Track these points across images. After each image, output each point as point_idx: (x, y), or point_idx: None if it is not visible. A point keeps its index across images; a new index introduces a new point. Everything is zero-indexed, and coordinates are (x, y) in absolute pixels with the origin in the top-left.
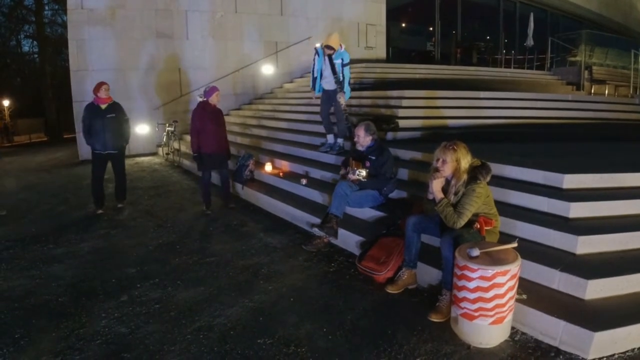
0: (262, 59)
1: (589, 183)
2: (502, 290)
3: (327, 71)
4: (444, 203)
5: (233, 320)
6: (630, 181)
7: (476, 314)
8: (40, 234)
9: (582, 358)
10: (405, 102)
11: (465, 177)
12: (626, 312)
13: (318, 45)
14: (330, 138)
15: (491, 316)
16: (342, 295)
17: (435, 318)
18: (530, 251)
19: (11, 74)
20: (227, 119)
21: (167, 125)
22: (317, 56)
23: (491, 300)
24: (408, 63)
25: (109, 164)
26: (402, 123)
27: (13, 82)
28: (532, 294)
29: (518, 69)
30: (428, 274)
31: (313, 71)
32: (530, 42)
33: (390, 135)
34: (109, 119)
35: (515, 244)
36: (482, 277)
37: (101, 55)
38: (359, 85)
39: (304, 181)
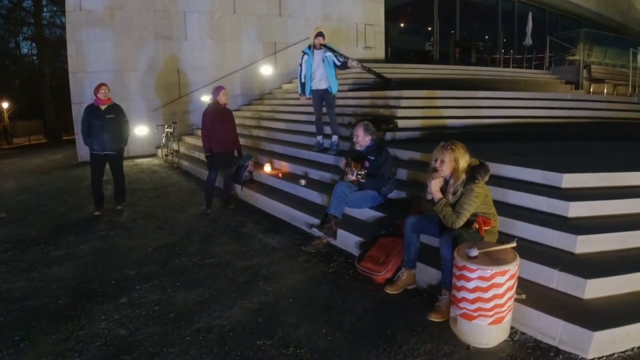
0: (260, 59)
1: (588, 182)
2: (501, 290)
3: (320, 70)
4: (443, 203)
5: (232, 321)
6: (629, 180)
7: (475, 314)
8: (39, 235)
9: (582, 357)
10: (404, 102)
11: (463, 176)
12: (625, 311)
13: (305, 48)
14: (319, 138)
15: (490, 316)
16: (341, 296)
17: (434, 318)
18: (529, 251)
19: (10, 76)
20: None
21: (166, 126)
22: (305, 57)
23: (490, 300)
24: (407, 63)
25: (107, 166)
26: (401, 123)
27: (12, 84)
28: (531, 293)
29: (517, 69)
30: (427, 274)
31: (301, 76)
32: (528, 41)
33: (389, 135)
34: (108, 120)
35: (514, 244)
36: (481, 277)
37: (100, 57)
38: (357, 86)
39: (302, 182)
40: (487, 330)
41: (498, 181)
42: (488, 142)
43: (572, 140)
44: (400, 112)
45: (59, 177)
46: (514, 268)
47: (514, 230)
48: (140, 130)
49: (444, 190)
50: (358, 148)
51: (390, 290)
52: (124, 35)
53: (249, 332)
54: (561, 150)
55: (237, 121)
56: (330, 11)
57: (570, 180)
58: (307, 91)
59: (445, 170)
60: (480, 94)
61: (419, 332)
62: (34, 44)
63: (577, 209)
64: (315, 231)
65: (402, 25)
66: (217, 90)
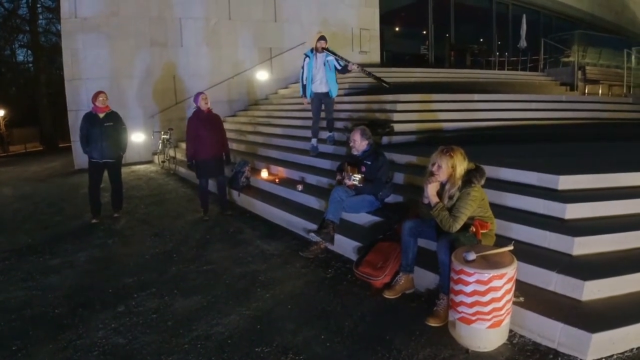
0: (256, 65)
1: (584, 184)
2: (499, 294)
3: (320, 73)
4: (440, 207)
5: (230, 328)
6: (625, 181)
7: (474, 317)
8: (36, 244)
9: (581, 359)
10: (400, 106)
11: (460, 182)
12: (624, 312)
13: (307, 51)
14: (314, 142)
15: (489, 320)
16: (339, 301)
17: (433, 322)
18: (527, 253)
19: (6, 83)
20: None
21: (163, 133)
22: (307, 59)
23: (488, 304)
24: (402, 67)
25: (105, 173)
26: (397, 127)
27: (8, 92)
28: (529, 296)
29: (512, 71)
30: (425, 279)
31: (302, 78)
32: (523, 43)
33: (385, 139)
34: (106, 127)
35: (511, 247)
36: (478, 281)
37: (95, 64)
38: (354, 90)
39: (299, 187)
40: (485, 333)
41: (494, 184)
42: (484, 144)
43: (568, 142)
44: (396, 116)
45: (56, 185)
46: (511, 271)
47: (511, 233)
48: (136, 137)
49: (440, 194)
50: (355, 153)
51: (388, 295)
52: (119, 42)
53: (247, 339)
54: (557, 152)
55: (233, 127)
56: (326, 16)
57: (567, 181)
58: (309, 94)
59: (442, 175)
60: (476, 96)
61: (418, 337)
62: (29, 51)
63: (574, 211)
64: (312, 236)
65: (397, 29)
66: (196, 97)
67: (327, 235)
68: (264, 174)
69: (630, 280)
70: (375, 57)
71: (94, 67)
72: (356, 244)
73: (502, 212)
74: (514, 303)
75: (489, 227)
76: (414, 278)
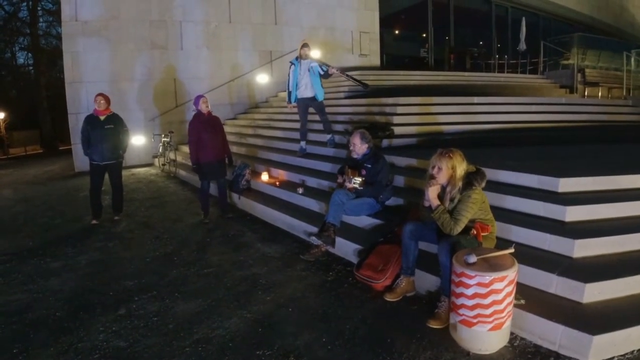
0: (256, 68)
1: (584, 186)
2: (500, 296)
3: (305, 79)
4: (440, 210)
5: (232, 331)
6: (625, 183)
7: (475, 320)
8: (37, 247)
9: None
10: (400, 109)
11: (460, 184)
12: (625, 314)
13: (293, 59)
14: (303, 144)
15: (490, 322)
16: (340, 304)
17: (434, 325)
18: (528, 256)
19: (6, 86)
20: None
21: (163, 136)
22: (292, 67)
23: (489, 307)
24: (402, 70)
25: (106, 176)
26: (398, 130)
27: (8, 95)
28: (530, 298)
29: (511, 74)
30: (426, 281)
31: (288, 85)
32: (522, 46)
33: (385, 142)
34: (107, 130)
35: (512, 250)
36: (479, 284)
37: (96, 67)
38: (353, 93)
39: (300, 190)
40: (487, 336)
41: (495, 187)
42: (484, 147)
43: (568, 144)
44: (396, 119)
45: (56, 188)
46: (512, 274)
47: (512, 235)
48: (137, 140)
49: (441, 197)
50: (355, 156)
51: (389, 298)
52: (120, 46)
53: (248, 342)
54: (557, 155)
55: (233, 130)
56: (326, 19)
57: (567, 184)
58: (293, 99)
59: (442, 177)
60: (476, 99)
61: (419, 340)
62: (30, 54)
63: (574, 213)
64: (313, 239)
65: (397, 32)
66: (196, 100)
67: (328, 238)
68: (265, 176)
69: (631, 282)
70: (375, 60)
71: (95, 70)
72: (357, 246)
73: (503, 214)
74: (515, 305)
75: (489, 229)
76: (414, 281)
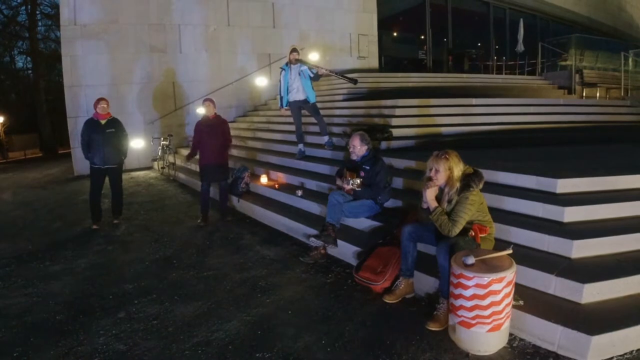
0: (255, 71)
1: (582, 187)
2: (498, 297)
3: (296, 82)
4: (438, 211)
5: (231, 334)
6: (623, 183)
7: (473, 321)
8: (36, 250)
9: None
10: (398, 111)
11: (458, 184)
12: (623, 314)
13: (283, 65)
14: (301, 146)
15: (488, 323)
16: (340, 306)
17: (433, 327)
18: (526, 257)
19: (5, 90)
20: None
21: (162, 139)
22: (283, 72)
23: (488, 308)
24: (400, 72)
25: (106, 179)
26: (396, 132)
27: (7, 98)
28: (528, 299)
29: (509, 75)
30: (425, 283)
31: (280, 90)
32: (520, 47)
33: (384, 144)
34: (108, 134)
35: (510, 251)
36: (478, 285)
37: (95, 71)
38: (351, 95)
39: (299, 192)
40: (485, 337)
41: (493, 188)
42: (482, 149)
43: (566, 145)
44: (395, 121)
45: (56, 192)
46: (510, 275)
47: (510, 236)
48: (136, 144)
49: (439, 198)
50: (354, 158)
51: (388, 300)
52: (119, 49)
53: (248, 344)
54: (555, 156)
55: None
56: (324, 22)
57: (565, 185)
58: (284, 103)
59: (440, 179)
60: (474, 101)
61: (418, 341)
62: (28, 58)
63: (572, 214)
64: (313, 241)
65: (395, 34)
66: (202, 103)
67: (329, 237)
68: (264, 179)
69: (629, 282)
70: (374, 62)
71: (94, 73)
72: (356, 249)
73: (501, 216)
74: (514, 306)
75: (487, 231)
76: (413, 282)
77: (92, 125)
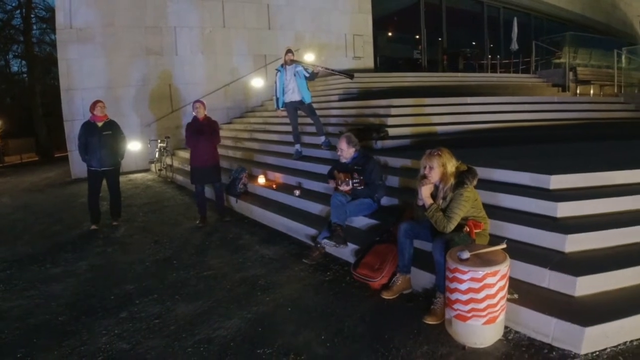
0: (251, 72)
1: (575, 183)
2: (493, 291)
3: (292, 83)
4: (434, 208)
5: (232, 332)
6: (615, 179)
7: (469, 314)
8: (37, 253)
9: (575, 353)
10: (394, 111)
11: (452, 181)
12: (616, 306)
13: (278, 66)
14: (298, 147)
15: (484, 316)
16: (338, 303)
17: (430, 321)
18: (520, 251)
19: (1, 94)
20: None
21: (159, 141)
22: (278, 74)
23: (483, 301)
24: (396, 71)
25: (104, 182)
26: (392, 131)
27: (3, 102)
28: (523, 293)
29: (504, 73)
30: (422, 279)
31: (276, 92)
32: (514, 46)
33: (379, 143)
34: (105, 136)
35: (504, 245)
36: (473, 279)
37: (91, 74)
38: (347, 96)
39: (297, 192)
40: (481, 330)
41: (488, 185)
42: (478, 147)
43: (560, 142)
44: (390, 121)
45: (54, 195)
46: (504, 268)
47: (505, 232)
48: (133, 146)
49: (434, 195)
50: (343, 160)
51: (386, 296)
52: (115, 52)
53: (249, 341)
54: (549, 153)
55: (229, 134)
56: (319, 23)
57: (558, 181)
58: (280, 104)
59: (435, 176)
60: (469, 99)
61: (416, 335)
62: (24, 62)
63: (565, 209)
64: (326, 243)
65: (390, 34)
66: (192, 106)
67: (339, 237)
68: (261, 180)
69: (622, 275)
70: (369, 62)
71: (90, 76)
72: (354, 246)
73: (496, 212)
74: (509, 300)
75: (482, 226)
76: (410, 278)
77: (89, 127)
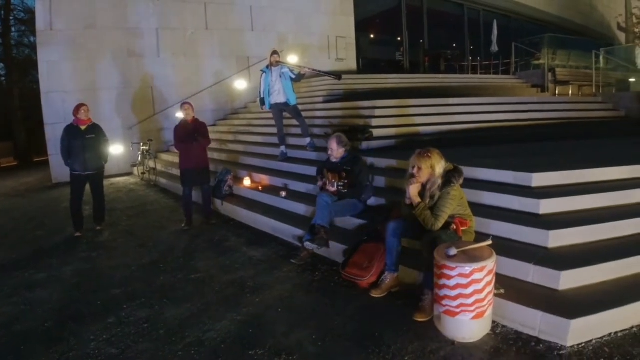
0: (235, 74)
1: (556, 180)
2: (480, 286)
3: (277, 85)
4: (422, 207)
5: (223, 334)
6: (594, 176)
7: (458, 310)
8: (20, 259)
9: (562, 345)
10: (378, 112)
11: (440, 181)
12: (599, 299)
13: (264, 67)
14: (283, 148)
15: (472, 311)
16: (328, 302)
17: (419, 318)
18: (505, 248)
19: None
20: None
21: (142, 144)
22: (264, 75)
23: (471, 296)
24: (378, 73)
25: (87, 186)
26: (376, 132)
27: None
28: (509, 288)
29: (484, 75)
30: (410, 276)
31: (260, 92)
32: (494, 48)
33: (364, 144)
34: (88, 139)
35: (489, 242)
36: (460, 275)
37: (72, 76)
38: (332, 97)
39: (283, 193)
40: (469, 325)
41: (472, 184)
42: (461, 146)
43: (540, 141)
44: (374, 122)
45: (35, 200)
46: (491, 264)
47: (490, 229)
48: (115, 149)
49: (421, 194)
50: (333, 160)
51: (375, 294)
52: (96, 54)
53: (240, 343)
54: (530, 151)
55: (214, 136)
56: (302, 25)
57: (540, 179)
58: (267, 104)
59: (423, 176)
60: (451, 100)
61: (406, 332)
62: (1, 65)
63: (547, 206)
64: (308, 245)
65: (372, 36)
66: (181, 107)
67: (322, 240)
68: (247, 182)
69: (603, 269)
70: (352, 64)
71: (71, 79)
72: (342, 246)
73: (481, 210)
74: (495, 295)
75: (468, 224)
76: (399, 276)
77: (72, 131)
